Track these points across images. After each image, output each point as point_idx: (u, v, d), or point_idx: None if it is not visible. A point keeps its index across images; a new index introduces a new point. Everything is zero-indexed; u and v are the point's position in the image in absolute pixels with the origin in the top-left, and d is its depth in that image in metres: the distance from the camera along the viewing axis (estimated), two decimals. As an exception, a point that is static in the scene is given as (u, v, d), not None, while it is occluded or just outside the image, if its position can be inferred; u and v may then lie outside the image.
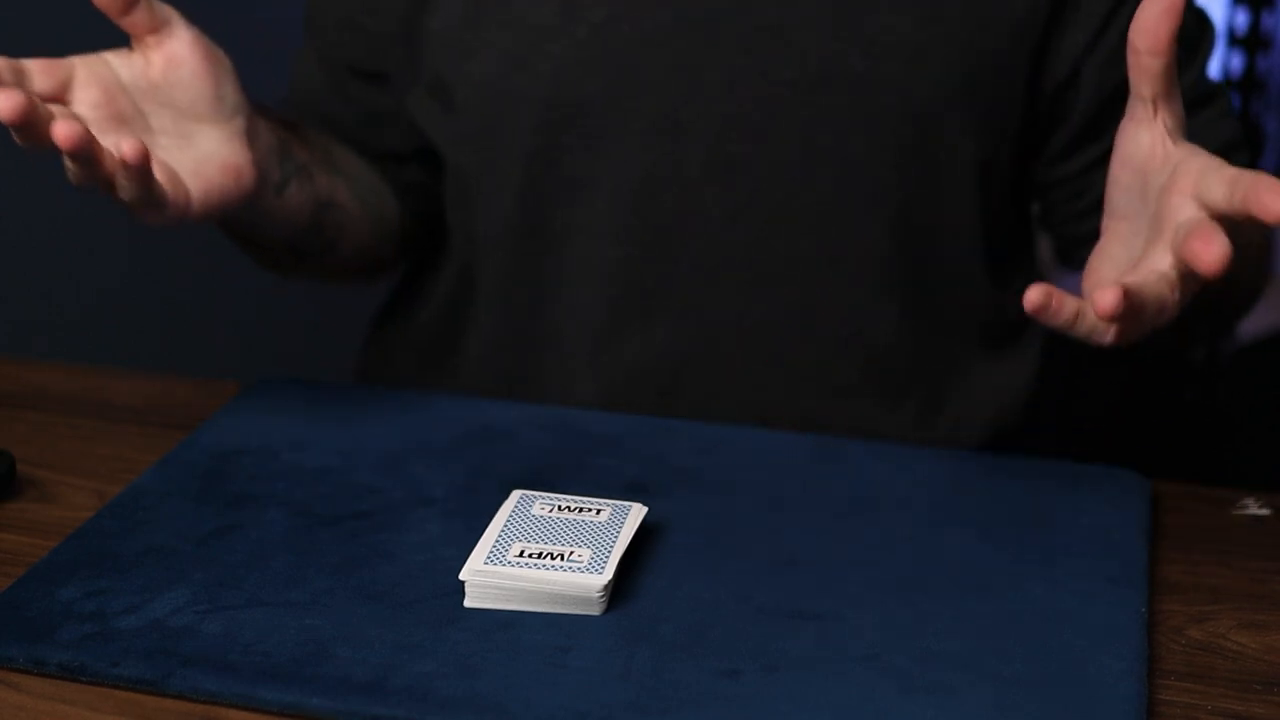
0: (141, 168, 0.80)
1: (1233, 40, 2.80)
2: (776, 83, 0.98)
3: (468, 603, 0.75)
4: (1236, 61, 2.79)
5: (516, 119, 1.02)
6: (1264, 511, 0.88)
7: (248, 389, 0.99)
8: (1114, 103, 0.99)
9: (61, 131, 0.77)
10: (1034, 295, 0.75)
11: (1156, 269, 0.77)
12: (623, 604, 0.75)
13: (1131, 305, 0.74)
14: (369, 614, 0.74)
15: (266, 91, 1.16)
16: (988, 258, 1.07)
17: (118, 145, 0.79)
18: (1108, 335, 0.78)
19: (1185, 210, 0.75)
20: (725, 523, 0.83)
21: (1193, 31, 1.01)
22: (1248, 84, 2.79)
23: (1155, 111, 0.79)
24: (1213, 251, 0.71)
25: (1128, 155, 0.80)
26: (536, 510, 0.80)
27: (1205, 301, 0.86)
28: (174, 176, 0.84)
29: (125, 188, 0.81)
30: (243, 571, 0.78)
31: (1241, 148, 1.04)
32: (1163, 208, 0.77)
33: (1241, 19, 2.79)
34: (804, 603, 0.75)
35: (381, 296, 1.21)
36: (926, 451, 0.93)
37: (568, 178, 1.03)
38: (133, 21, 0.86)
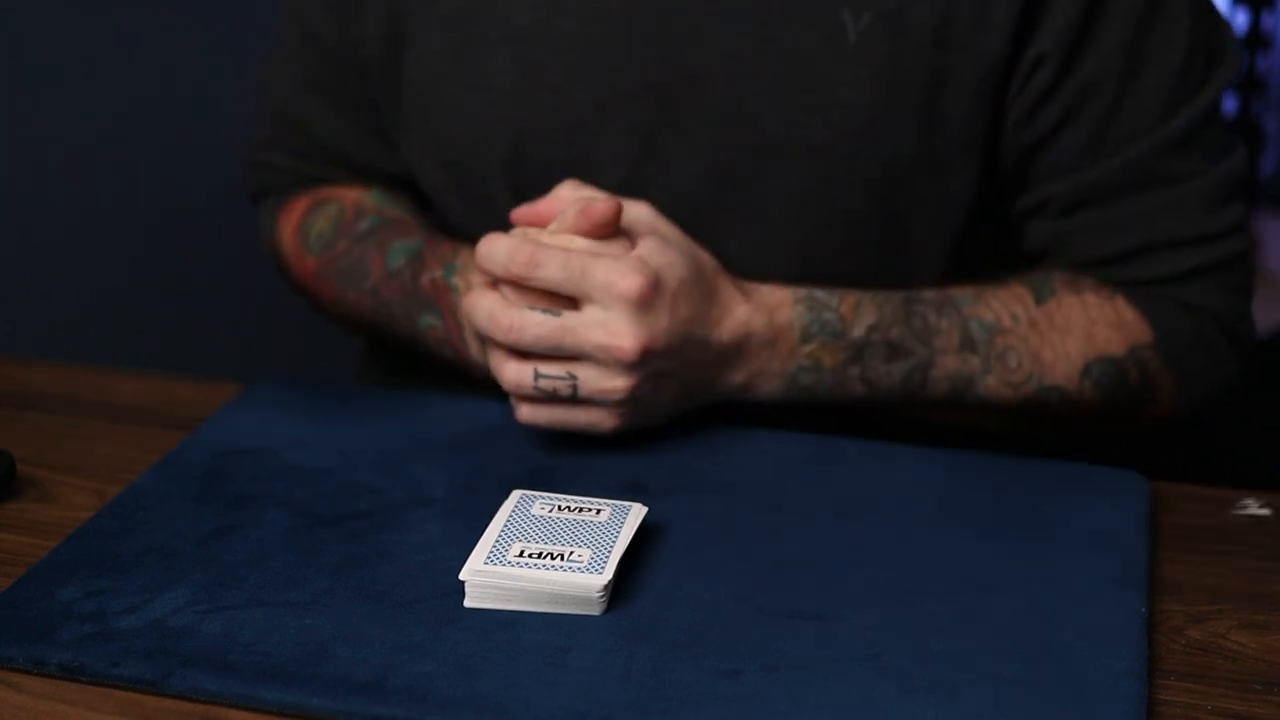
0: None
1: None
2: (733, 149, 0.97)
3: (468, 602, 0.75)
4: (1236, 56, 2.79)
5: (484, 178, 1.03)
6: (1264, 511, 0.88)
7: (248, 389, 0.99)
8: (1034, 153, 0.98)
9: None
10: None
11: None
12: (623, 604, 0.75)
13: None
14: (369, 614, 0.74)
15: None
16: None
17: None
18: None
19: None
20: (725, 523, 0.83)
21: (1148, 102, 0.96)
22: (1248, 84, 2.80)
23: None
24: None
25: None
26: (536, 510, 0.80)
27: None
28: None
29: None
30: (243, 571, 0.78)
31: (1199, 243, 0.98)
32: None
33: (1241, 19, 2.79)
34: (804, 603, 0.75)
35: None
36: (926, 451, 0.93)
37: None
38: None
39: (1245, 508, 0.88)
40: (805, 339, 0.92)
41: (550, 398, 0.88)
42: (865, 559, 0.80)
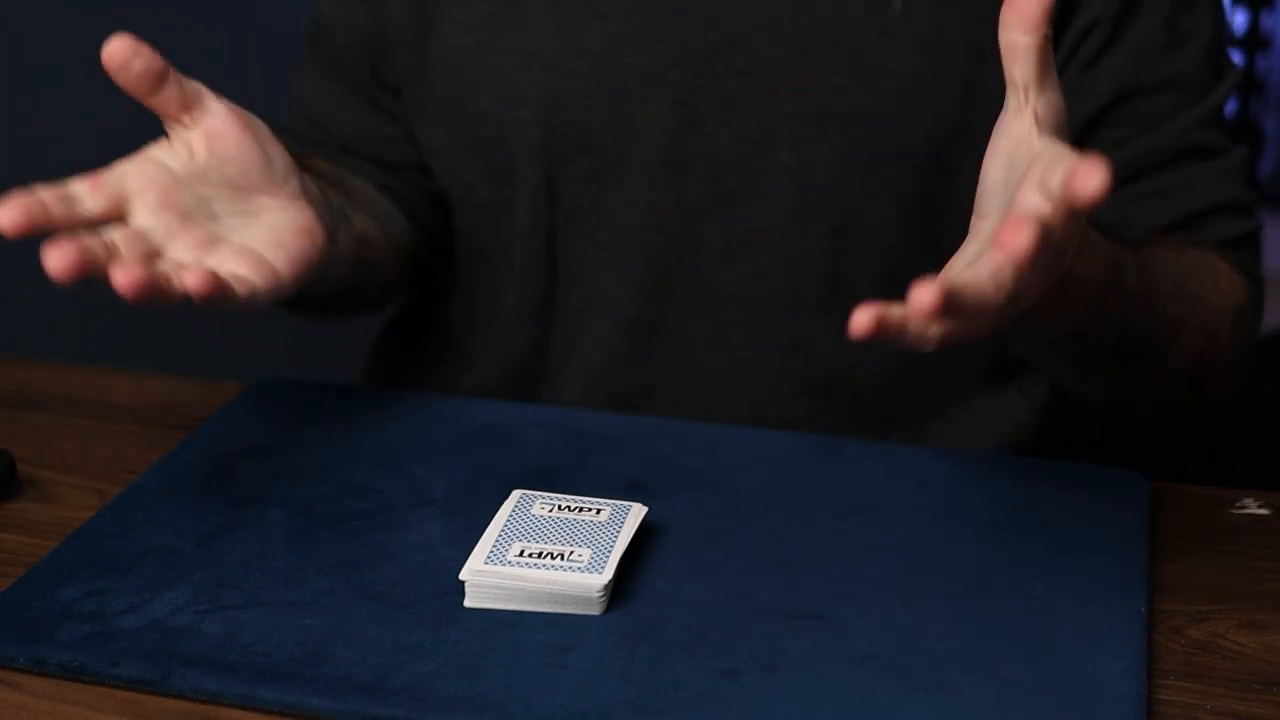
0: (214, 293, 0.75)
1: (1232, 40, 2.80)
2: (774, 118, 0.97)
3: (468, 602, 0.75)
4: (1236, 61, 2.80)
5: (516, 150, 1.02)
6: (1264, 511, 0.88)
7: (248, 389, 0.99)
8: (1091, 124, 0.98)
9: (122, 281, 0.73)
10: (861, 320, 0.67)
11: (985, 267, 0.71)
12: (623, 604, 0.75)
13: (951, 303, 0.68)
14: (369, 614, 0.74)
15: (272, 98, 1.16)
16: None
17: (181, 279, 0.74)
18: (929, 336, 0.71)
19: (1030, 202, 0.69)
20: (725, 523, 0.83)
21: (1192, 72, 0.98)
22: (1248, 84, 2.80)
23: (1026, 99, 0.74)
24: (1016, 240, 0.64)
25: (998, 149, 0.75)
26: (536, 510, 0.80)
27: (1087, 350, 0.86)
28: (256, 257, 0.80)
29: (203, 304, 0.75)
30: (243, 571, 0.78)
31: (1242, 211, 1.00)
32: (1011, 203, 0.71)
33: (1241, 19, 2.79)
34: (804, 603, 0.75)
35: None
36: (926, 451, 0.93)
37: (568, 209, 1.03)
38: (163, 100, 0.82)
39: (1245, 507, 0.88)
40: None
41: None
42: (865, 559, 0.80)
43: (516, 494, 0.82)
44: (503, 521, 0.79)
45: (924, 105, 0.97)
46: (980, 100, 0.97)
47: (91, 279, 0.74)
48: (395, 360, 1.18)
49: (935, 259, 1.00)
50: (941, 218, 1.00)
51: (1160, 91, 0.98)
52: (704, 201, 1.00)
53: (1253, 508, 0.88)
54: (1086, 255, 0.77)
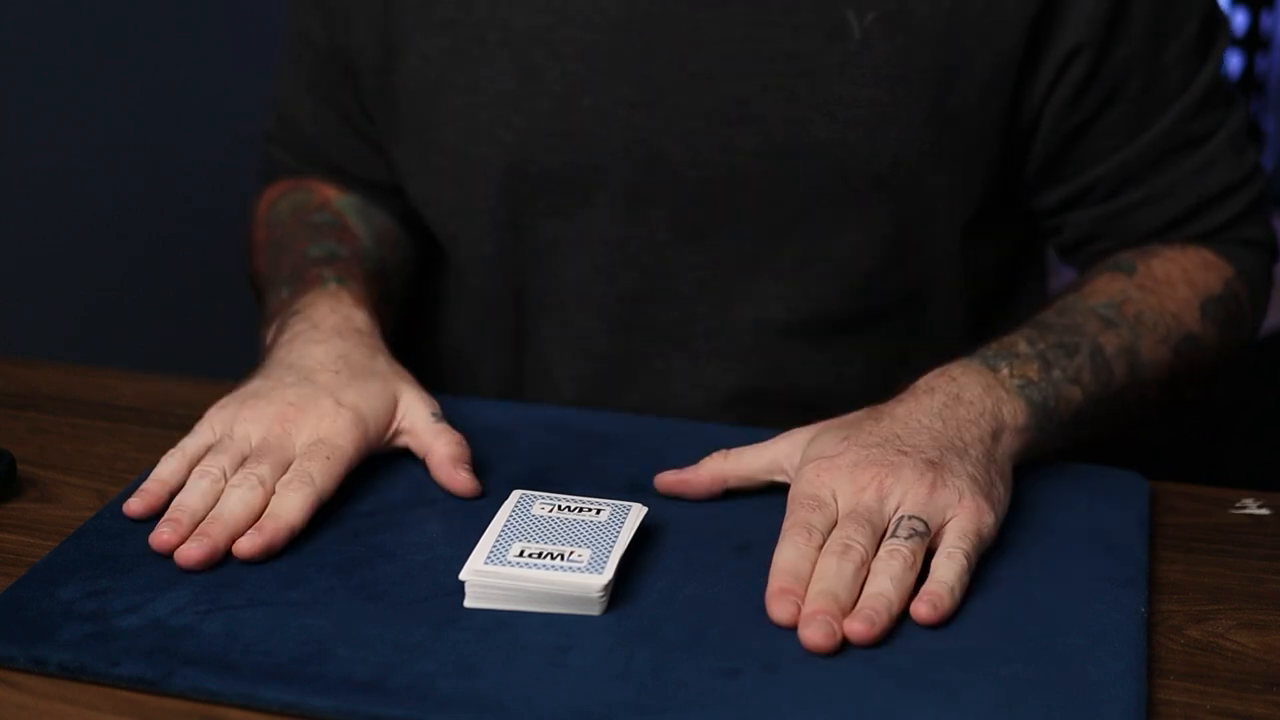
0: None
1: (1232, 40, 2.80)
2: (739, 152, 0.97)
3: (468, 603, 0.75)
4: (1236, 61, 2.79)
5: (481, 187, 1.02)
6: (1264, 511, 0.88)
7: (248, 389, 0.99)
8: (1073, 142, 0.98)
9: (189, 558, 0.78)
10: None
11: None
12: (623, 604, 0.75)
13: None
14: (369, 614, 0.74)
15: (264, 94, 1.16)
16: (969, 313, 1.06)
17: (237, 548, 0.78)
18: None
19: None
20: (725, 523, 0.83)
21: (1173, 68, 0.98)
22: (1247, 84, 2.80)
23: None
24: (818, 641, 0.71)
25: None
26: (537, 510, 0.80)
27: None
28: (315, 492, 0.83)
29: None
30: (243, 571, 0.78)
31: (1232, 193, 1.00)
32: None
33: (1241, 19, 2.79)
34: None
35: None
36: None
37: (535, 245, 1.03)
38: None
39: (1245, 508, 0.88)
40: (994, 369, 0.86)
41: (921, 534, 0.77)
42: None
43: (516, 494, 0.82)
44: (503, 522, 0.79)
45: (889, 132, 0.96)
46: (945, 123, 0.96)
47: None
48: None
49: (906, 280, 1.00)
50: (911, 240, 1.00)
51: (1144, 94, 0.97)
52: (672, 236, 1.00)
53: (1253, 508, 0.88)
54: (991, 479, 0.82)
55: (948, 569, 0.75)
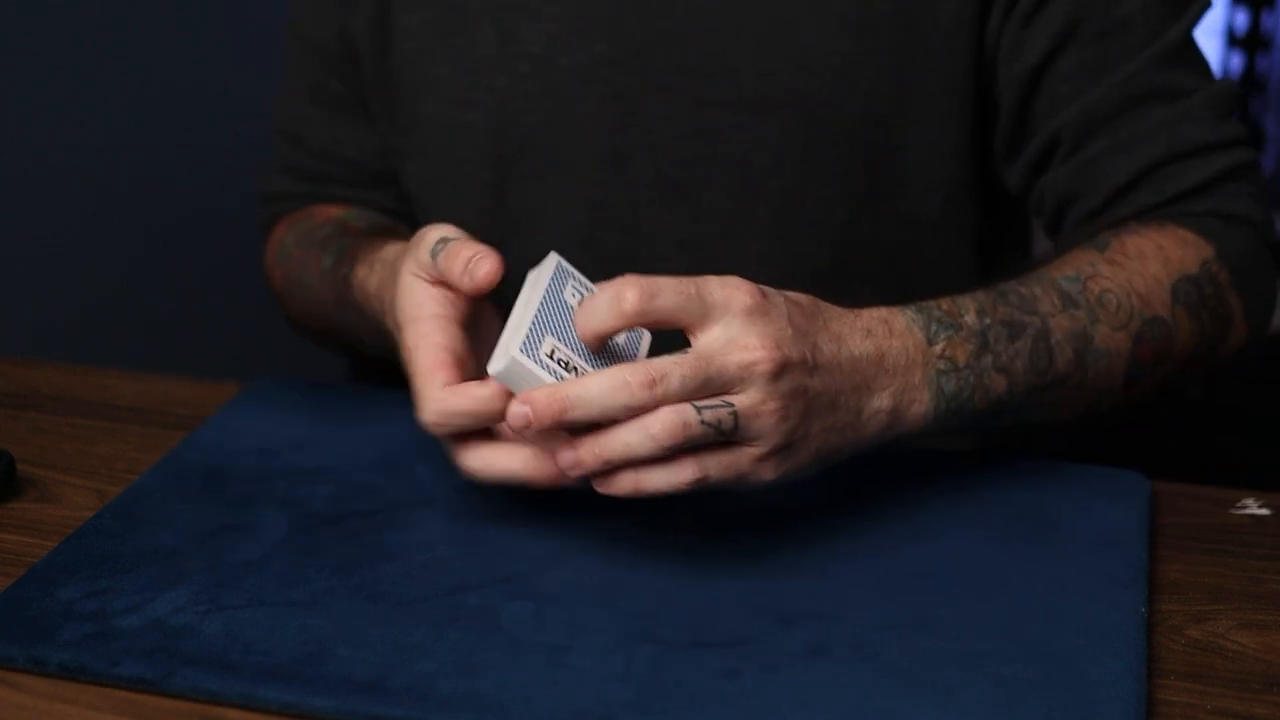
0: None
1: (1232, 40, 2.80)
2: (712, 106, 0.98)
3: (491, 368, 0.74)
4: (1236, 61, 2.80)
5: (466, 154, 1.03)
6: (1264, 511, 0.88)
7: (248, 389, 0.99)
8: (1033, 91, 0.98)
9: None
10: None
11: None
12: (623, 604, 0.75)
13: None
14: (369, 614, 0.74)
15: (264, 93, 1.16)
16: (960, 273, 1.05)
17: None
18: None
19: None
20: (725, 523, 0.83)
21: (1135, 14, 0.97)
22: (1247, 84, 2.80)
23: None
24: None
25: None
26: (569, 295, 0.79)
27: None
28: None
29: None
30: (243, 571, 0.78)
31: (1210, 152, 0.97)
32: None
33: (1241, 19, 2.79)
34: (804, 603, 0.75)
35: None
36: (927, 451, 0.93)
37: (518, 211, 1.04)
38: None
39: (1245, 508, 0.88)
40: (931, 340, 0.85)
41: (715, 432, 0.75)
42: (865, 559, 0.80)
43: (553, 262, 0.80)
44: (537, 301, 0.77)
45: (857, 83, 0.97)
46: (911, 73, 0.97)
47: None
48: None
49: (882, 233, 1.01)
50: (885, 192, 1.01)
51: (1104, 39, 0.96)
52: (651, 194, 1.01)
53: (1253, 508, 0.88)
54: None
55: (673, 472, 0.75)
